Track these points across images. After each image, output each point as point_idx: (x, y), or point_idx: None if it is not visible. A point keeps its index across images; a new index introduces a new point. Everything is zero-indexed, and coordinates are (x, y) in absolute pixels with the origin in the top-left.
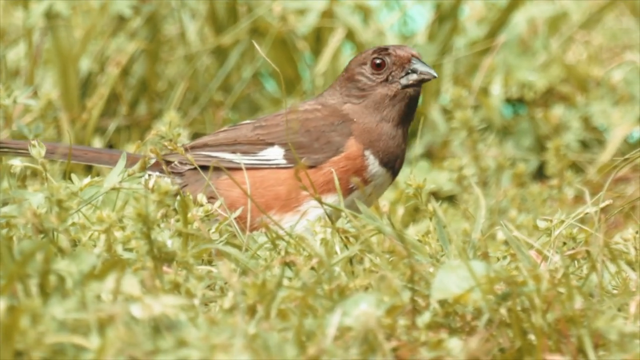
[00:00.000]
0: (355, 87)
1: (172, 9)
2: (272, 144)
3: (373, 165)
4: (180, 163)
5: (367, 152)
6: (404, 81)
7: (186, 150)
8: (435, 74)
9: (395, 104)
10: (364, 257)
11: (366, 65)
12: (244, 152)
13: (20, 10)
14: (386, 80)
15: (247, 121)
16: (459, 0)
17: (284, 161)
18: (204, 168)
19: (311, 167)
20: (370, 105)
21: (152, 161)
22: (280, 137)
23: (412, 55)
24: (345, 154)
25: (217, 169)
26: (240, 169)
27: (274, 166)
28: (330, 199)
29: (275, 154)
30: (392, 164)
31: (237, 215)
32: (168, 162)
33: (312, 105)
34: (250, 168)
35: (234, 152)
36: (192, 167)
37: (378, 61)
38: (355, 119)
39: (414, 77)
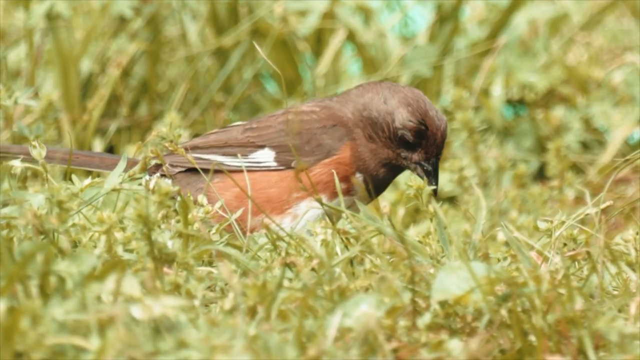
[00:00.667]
0: (371, 127)
1: (173, 10)
2: (262, 147)
3: (359, 177)
4: (172, 165)
5: (355, 166)
6: (412, 166)
7: (175, 154)
8: (434, 188)
9: (394, 167)
10: (365, 258)
11: (398, 129)
12: (234, 155)
13: (21, 11)
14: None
15: (238, 123)
16: (460, 1)
17: (275, 164)
18: (194, 170)
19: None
20: (372, 150)
21: (153, 162)
22: (271, 139)
23: (434, 155)
24: (337, 157)
25: (207, 171)
26: (230, 171)
27: (265, 169)
28: (313, 216)
29: (265, 156)
30: (373, 189)
31: (232, 217)
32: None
33: (310, 107)
34: (241, 171)
35: (224, 154)
36: (183, 169)
37: (408, 138)
38: (356, 139)
39: (419, 171)
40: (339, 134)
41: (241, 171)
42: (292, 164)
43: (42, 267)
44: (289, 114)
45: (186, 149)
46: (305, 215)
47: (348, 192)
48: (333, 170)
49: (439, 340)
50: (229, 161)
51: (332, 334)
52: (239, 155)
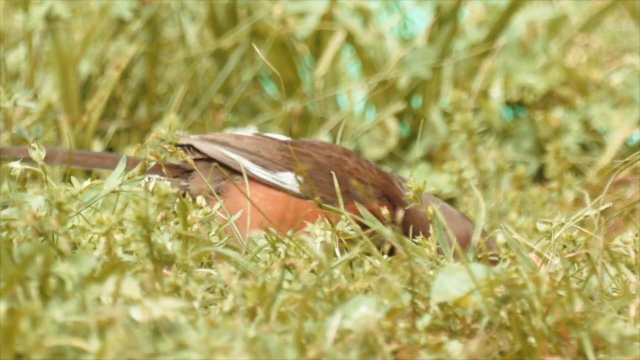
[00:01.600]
0: None
1: (172, 12)
2: (292, 170)
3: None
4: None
5: None
6: None
7: (203, 140)
8: None
9: None
10: (364, 260)
11: None
12: (263, 166)
13: (21, 13)
14: None
15: (276, 135)
16: (459, 2)
17: (298, 191)
18: (215, 162)
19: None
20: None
21: (152, 164)
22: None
23: None
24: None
25: (228, 171)
26: (252, 180)
27: (288, 191)
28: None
29: (292, 181)
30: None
31: (231, 218)
32: (169, 165)
33: (370, 164)
34: (264, 184)
35: (253, 161)
36: (198, 159)
37: None
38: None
39: None
40: (372, 193)
41: (262, 184)
42: (316, 198)
43: (42, 269)
44: (345, 155)
45: (215, 142)
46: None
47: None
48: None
49: (438, 342)
50: (256, 170)
51: (331, 335)
52: (267, 167)
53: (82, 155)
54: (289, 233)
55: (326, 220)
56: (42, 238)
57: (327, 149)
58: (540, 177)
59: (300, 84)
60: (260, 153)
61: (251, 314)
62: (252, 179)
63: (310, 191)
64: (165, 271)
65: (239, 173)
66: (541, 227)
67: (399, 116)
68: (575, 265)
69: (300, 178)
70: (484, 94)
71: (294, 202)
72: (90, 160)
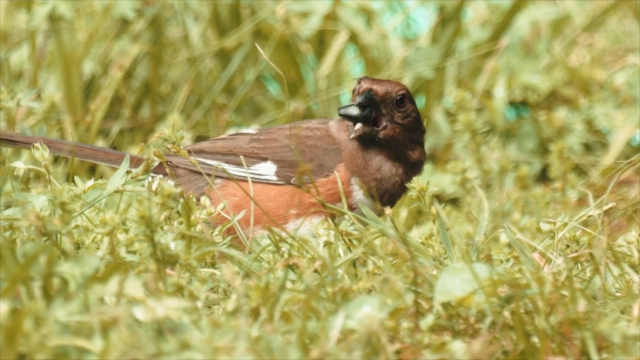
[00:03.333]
0: None
1: (176, 12)
2: (265, 159)
3: (357, 192)
4: (177, 166)
5: (353, 180)
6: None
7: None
8: (349, 114)
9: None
10: (367, 260)
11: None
12: (237, 164)
13: (24, 13)
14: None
15: (247, 130)
16: (462, 2)
17: (275, 178)
18: (197, 172)
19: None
20: (344, 129)
21: (156, 164)
22: (275, 152)
23: (359, 92)
24: (333, 177)
25: (210, 176)
26: (230, 179)
27: (265, 181)
28: (316, 220)
29: (267, 169)
30: (381, 197)
31: (234, 218)
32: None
33: (314, 124)
34: (242, 179)
35: (227, 162)
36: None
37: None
38: (343, 147)
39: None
40: (339, 157)
41: (242, 180)
42: (292, 181)
43: (45, 269)
44: (294, 129)
45: (192, 152)
46: (306, 220)
47: (351, 209)
48: (329, 190)
49: (441, 342)
50: (231, 169)
51: (334, 335)
52: (241, 164)
53: (90, 150)
54: (292, 232)
55: (329, 219)
56: (45, 238)
57: (281, 130)
58: (543, 177)
59: (304, 83)
60: (234, 151)
61: (254, 313)
62: (231, 179)
63: (286, 177)
64: (168, 271)
65: (219, 176)
66: (544, 227)
67: None
68: (579, 265)
69: (275, 167)
70: (488, 94)
71: (272, 190)
72: (97, 154)
